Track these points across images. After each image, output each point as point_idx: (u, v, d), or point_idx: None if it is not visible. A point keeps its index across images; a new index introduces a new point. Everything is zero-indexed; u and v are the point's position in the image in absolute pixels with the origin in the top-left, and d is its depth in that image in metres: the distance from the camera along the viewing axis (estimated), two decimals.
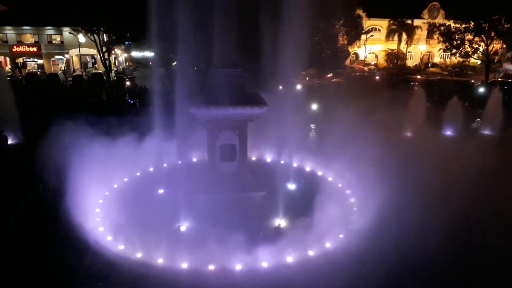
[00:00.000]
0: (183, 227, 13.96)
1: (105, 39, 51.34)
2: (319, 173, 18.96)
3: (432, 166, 17.32)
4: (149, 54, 55.45)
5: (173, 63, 33.04)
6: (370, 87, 32.62)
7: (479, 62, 58.31)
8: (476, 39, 50.10)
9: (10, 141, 24.40)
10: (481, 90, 40.02)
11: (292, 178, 17.59)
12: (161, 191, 16.66)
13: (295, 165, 19.31)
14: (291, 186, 17.33)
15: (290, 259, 12.21)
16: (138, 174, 18.56)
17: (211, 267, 11.76)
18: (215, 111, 14.39)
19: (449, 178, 16.61)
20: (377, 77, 52.67)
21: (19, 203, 14.83)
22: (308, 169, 19.54)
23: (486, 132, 27.10)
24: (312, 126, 26.31)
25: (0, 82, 32.32)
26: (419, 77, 53.61)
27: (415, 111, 26.54)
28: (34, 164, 16.40)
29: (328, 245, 12.96)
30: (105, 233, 13.37)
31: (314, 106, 29.17)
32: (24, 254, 12.18)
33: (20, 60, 61.53)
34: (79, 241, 12.67)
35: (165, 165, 19.34)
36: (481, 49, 50.65)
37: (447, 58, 70.36)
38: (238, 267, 11.79)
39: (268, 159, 20.69)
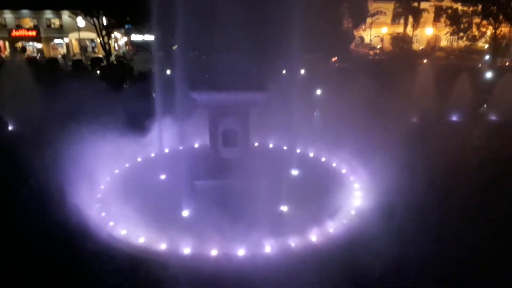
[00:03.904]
0: (185, 213, 13.80)
1: (104, 23, 50.58)
2: (323, 159, 18.70)
3: (436, 152, 17.15)
4: (149, 37, 54.68)
5: (174, 47, 32.47)
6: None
7: (486, 46, 57.30)
8: (484, 22, 49.10)
9: (10, 127, 24.20)
10: (489, 75, 39.30)
11: (296, 164, 17.33)
12: (162, 177, 16.45)
13: (298, 151, 19.08)
14: (295, 172, 17.08)
15: (292, 244, 12.09)
16: (139, 159, 18.36)
17: (213, 252, 11.67)
18: (216, 96, 14.10)
19: (454, 165, 16.49)
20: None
21: (19, 191, 14.67)
22: (311, 155, 19.28)
23: (493, 117, 26.66)
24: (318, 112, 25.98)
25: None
26: (425, 61, 52.83)
27: (420, 97, 26.12)
28: (34, 150, 16.29)
29: (331, 230, 12.83)
30: (107, 219, 13.25)
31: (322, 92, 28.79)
32: (23, 246, 12.03)
33: (20, 44, 60.92)
34: (80, 227, 12.49)
35: (166, 150, 19.10)
36: (488, 33, 49.72)
37: (454, 42, 69.21)
38: (240, 252, 11.70)
39: (271, 145, 20.41)
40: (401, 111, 22.43)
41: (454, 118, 26.08)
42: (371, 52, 64.34)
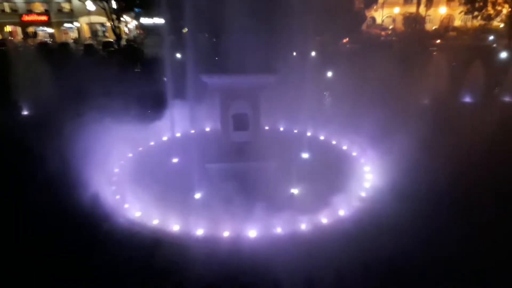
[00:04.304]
0: (198, 195, 14.08)
1: (114, 6, 50.47)
2: (333, 142, 18.76)
3: (449, 133, 17.04)
4: (158, 21, 54.43)
5: (184, 30, 32.41)
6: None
7: (501, 25, 55.71)
8: (500, 0, 47.63)
9: (25, 112, 24.63)
10: (503, 55, 38.42)
11: (306, 147, 17.43)
12: (175, 160, 16.74)
13: (309, 134, 19.15)
14: (305, 155, 17.20)
15: (303, 226, 12.29)
16: (152, 143, 18.66)
17: (226, 233, 11.95)
18: (227, 79, 14.19)
19: (467, 146, 16.39)
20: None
21: (34, 174, 15.00)
22: (322, 138, 19.33)
23: (508, 98, 26.23)
24: (329, 94, 25.86)
25: (12, 52, 32.45)
26: (438, 41, 51.68)
27: (434, 78, 25.76)
28: (49, 134, 16.63)
29: (341, 212, 12.99)
30: (121, 202, 13.60)
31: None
32: (38, 228, 12.43)
33: (31, 29, 61.29)
34: (95, 209, 12.84)
35: (178, 134, 19.35)
36: (504, 11, 48.27)
37: (468, 21, 67.36)
38: (251, 234, 11.96)
39: (282, 128, 20.47)
40: (413, 93, 22.24)
41: (468, 99, 25.70)
42: (383, 33, 63.13)
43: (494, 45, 44.65)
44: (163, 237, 11.98)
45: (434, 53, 29.72)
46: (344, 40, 48.97)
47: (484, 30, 57.22)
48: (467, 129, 19.00)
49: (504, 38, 50.05)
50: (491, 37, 50.26)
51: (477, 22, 55.13)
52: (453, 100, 24.28)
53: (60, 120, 19.05)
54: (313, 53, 28.77)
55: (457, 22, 72.09)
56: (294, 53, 18.70)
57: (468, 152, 16.18)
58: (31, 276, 10.51)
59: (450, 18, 74.24)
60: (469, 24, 67.95)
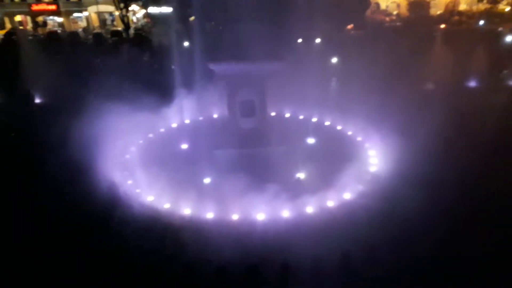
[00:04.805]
0: (207, 180, 14.53)
1: None
2: (339, 127, 19.05)
3: (455, 117, 17.14)
4: (166, 9, 54.42)
5: (191, 18, 32.60)
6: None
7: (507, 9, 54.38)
8: None
9: (37, 100, 25.13)
10: (509, 38, 37.79)
11: (311, 132, 17.73)
12: (184, 146, 17.21)
13: (314, 120, 19.44)
14: (311, 140, 17.53)
15: (309, 209, 12.70)
16: (161, 130, 19.14)
17: (234, 216, 12.42)
18: (234, 66, 14.44)
19: (472, 130, 16.50)
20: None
21: (47, 161, 15.43)
22: (327, 123, 19.61)
23: None
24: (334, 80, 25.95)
25: (23, 41, 32.97)
26: (442, 26, 50.77)
27: (438, 63, 25.65)
28: (61, 122, 17.12)
29: (347, 196, 13.35)
30: (133, 186, 14.13)
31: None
32: (53, 212, 12.88)
33: (41, 18, 61.75)
34: (108, 194, 13.28)
35: (187, 121, 19.80)
36: None
37: (474, 5, 65.88)
38: (259, 216, 12.41)
39: (288, 114, 20.82)
40: (418, 78, 22.24)
41: (474, 83, 25.61)
42: (387, 19, 62.14)
43: (500, 29, 43.78)
44: (173, 221, 12.46)
45: (439, 38, 29.41)
46: (349, 27, 48.46)
47: (491, 14, 55.98)
48: (473, 114, 19.06)
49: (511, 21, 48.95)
50: (481, 22, 49.64)
51: (483, 6, 53.87)
52: (458, 85, 24.11)
53: (70, 108, 19.47)
54: (318, 40, 28.82)
55: (463, 6, 70.55)
56: (300, 40, 18.86)
57: (473, 138, 16.29)
58: (45, 255, 11.00)
59: (455, 2, 72.59)
60: (474, 8, 66.49)
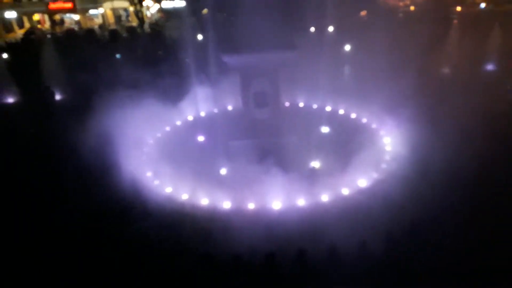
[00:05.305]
0: (223, 171, 14.79)
1: None
2: (353, 116, 18.99)
3: (470, 103, 16.89)
4: (179, 3, 54.72)
5: (203, 11, 32.75)
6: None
7: None
8: None
9: (57, 97, 25.70)
10: None
11: (326, 121, 17.71)
12: (200, 138, 17.51)
13: (328, 109, 19.41)
14: (325, 129, 17.54)
15: (324, 197, 12.85)
16: (178, 123, 19.47)
17: (250, 205, 12.68)
18: (247, 57, 14.52)
19: (488, 116, 16.25)
20: None
21: (68, 155, 15.96)
22: (341, 112, 19.54)
23: None
24: (348, 68, 25.69)
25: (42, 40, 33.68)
26: (458, 9, 49.28)
27: (454, 47, 25.07)
28: (80, 118, 17.61)
29: (362, 183, 13.41)
30: (152, 178, 14.54)
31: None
32: (74, 202, 13.47)
33: (58, 17, 62.83)
34: (128, 186, 13.64)
35: (202, 114, 20.07)
36: None
37: None
38: (275, 205, 12.62)
39: (302, 104, 20.81)
40: (433, 64, 21.84)
41: (490, 67, 24.96)
42: (401, 4, 60.68)
43: None
44: (191, 210, 12.84)
45: (455, 21, 28.51)
46: (362, 13, 47.61)
47: None
48: (490, 98, 18.70)
49: None
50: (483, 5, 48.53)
51: None
52: (475, 68, 23.50)
53: (89, 104, 19.88)
54: (330, 28, 28.47)
55: None
56: (312, 29, 18.73)
57: (489, 121, 16.05)
58: (73, 241, 11.64)
59: None
60: None
